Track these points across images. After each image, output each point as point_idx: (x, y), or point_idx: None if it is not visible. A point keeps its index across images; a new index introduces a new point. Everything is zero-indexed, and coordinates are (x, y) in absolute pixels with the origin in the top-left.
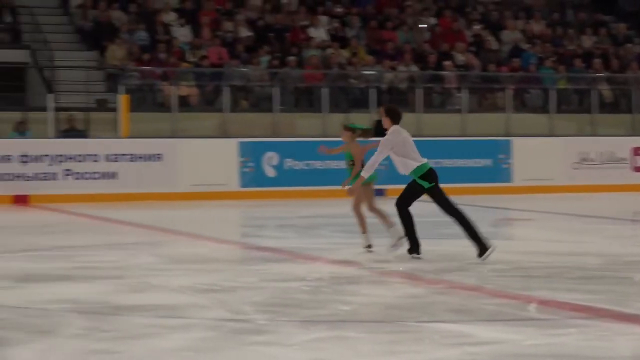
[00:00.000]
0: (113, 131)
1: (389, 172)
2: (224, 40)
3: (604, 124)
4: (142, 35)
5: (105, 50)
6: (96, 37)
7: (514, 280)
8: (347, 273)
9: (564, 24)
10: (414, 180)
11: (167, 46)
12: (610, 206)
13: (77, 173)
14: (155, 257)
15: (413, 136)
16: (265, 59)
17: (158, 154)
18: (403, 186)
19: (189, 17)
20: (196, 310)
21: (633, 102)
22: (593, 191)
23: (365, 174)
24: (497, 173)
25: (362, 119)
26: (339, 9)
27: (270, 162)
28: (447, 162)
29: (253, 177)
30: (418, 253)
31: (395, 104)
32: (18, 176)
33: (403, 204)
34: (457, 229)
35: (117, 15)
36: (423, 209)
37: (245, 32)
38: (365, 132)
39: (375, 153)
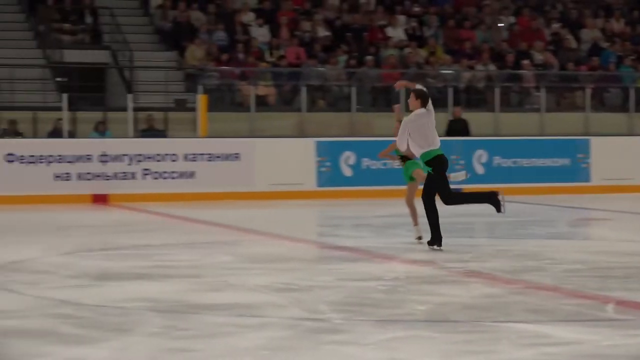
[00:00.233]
0: (191, 131)
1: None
2: (301, 40)
3: None
4: (221, 35)
5: (185, 50)
6: (175, 38)
7: (591, 280)
8: (424, 272)
9: None
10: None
11: (246, 46)
12: None
13: (156, 172)
14: (232, 256)
15: (490, 135)
16: (342, 58)
17: (236, 154)
18: (479, 185)
19: (268, 17)
20: (273, 309)
21: None
22: None
23: (399, 146)
24: (576, 172)
25: (439, 119)
26: (416, 9)
27: (347, 161)
28: (525, 162)
29: (330, 177)
30: (439, 245)
31: (424, 89)
32: (98, 175)
33: (426, 197)
34: (535, 230)
35: (196, 16)
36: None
37: (323, 32)
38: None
39: (399, 132)
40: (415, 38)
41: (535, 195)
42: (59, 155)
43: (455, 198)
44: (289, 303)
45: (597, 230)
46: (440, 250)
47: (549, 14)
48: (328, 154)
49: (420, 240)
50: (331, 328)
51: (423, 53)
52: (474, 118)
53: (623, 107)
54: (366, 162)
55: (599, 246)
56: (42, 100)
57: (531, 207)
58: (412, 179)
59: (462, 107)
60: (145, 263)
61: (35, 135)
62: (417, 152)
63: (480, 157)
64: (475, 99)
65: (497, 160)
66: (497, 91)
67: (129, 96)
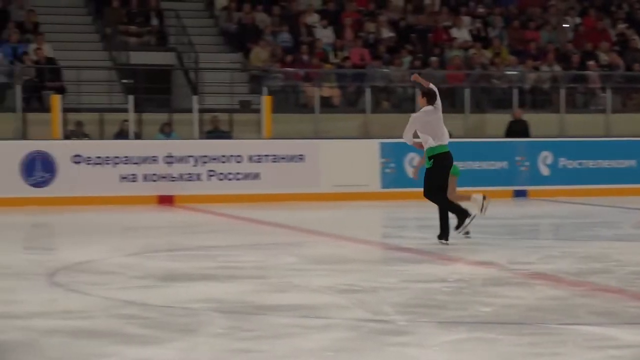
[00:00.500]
0: (256, 132)
1: (530, 173)
2: (366, 41)
3: None
4: (285, 36)
5: (249, 52)
6: (240, 39)
7: None
8: (488, 274)
9: None
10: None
11: (310, 47)
12: None
13: (221, 174)
14: (297, 257)
15: (556, 136)
16: (407, 59)
17: (300, 155)
18: (545, 187)
19: (332, 18)
20: (336, 311)
21: None
22: None
23: (404, 137)
24: None
25: (505, 120)
26: (481, 9)
27: (411, 162)
28: (591, 163)
29: (394, 178)
30: (446, 239)
31: (432, 87)
32: (163, 177)
33: (434, 191)
34: (601, 231)
35: (261, 17)
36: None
37: (387, 33)
38: None
39: (406, 127)
40: (480, 39)
41: (600, 197)
42: (125, 157)
43: (437, 198)
44: (352, 304)
45: None
46: (447, 244)
47: (615, 15)
48: (392, 155)
49: (468, 235)
50: (395, 330)
51: (488, 54)
52: (539, 119)
53: None
54: None
55: None
56: (109, 102)
57: (597, 209)
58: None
59: (525, 109)
60: (211, 264)
61: (101, 136)
62: (426, 145)
63: (545, 159)
64: (540, 100)
65: (563, 161)
66: (562, 92)
67: (194, 98)
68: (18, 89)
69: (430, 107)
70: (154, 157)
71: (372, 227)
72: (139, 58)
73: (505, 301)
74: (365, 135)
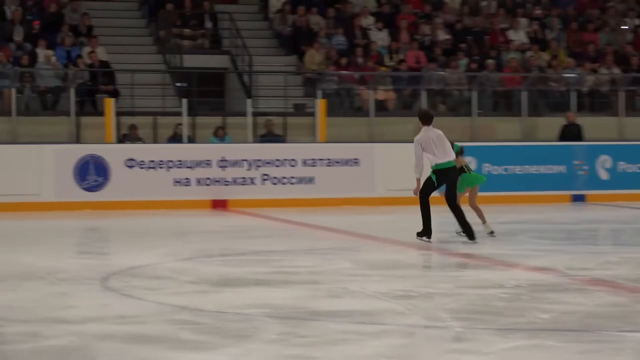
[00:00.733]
0: (310, 136)
1: (589, 177)
2: (421, 43)
3: None
4: (340, 39)
5: (304, 54)
6: (294, 42)
7: None
8: (547, 280)
9: None
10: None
11: (365, 50)
12: None
13: (275, 178)
14: (352, 262)
15: (613, 140)
16: (463, 62)
17: (355, 159)
18: (603, 192)
19: (387, 20)
20: (392, 317)
21: None
22: None
23: (416, 172)
24: None
25: (558, 123)
26: (538, 11)
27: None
28: None
29: None
30: (429, 237)
31: (426, 109)
32: (217, 181)
33: (422, 195)
34: None
35: (315, 20)
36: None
37: (443, 36)
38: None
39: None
40: (537, 41)
41: None
42: (179, 161)
43: (424, 207)
44: (408, 310)
45: None
46: (430, 242)
47: None
48: None
49: (493, 234)
50: (452, 336)
51: (545, 56)
52: (597, 122)
53: None
54: (487, 167)
55: None
56: (162, 106)
57: None
58: (470, 183)
59: (583, 112)
60: (265, 269)
61: (155, 140)
62: (431, 162)
63: (604, 163)
64: (598, 102)
65: (622, 165)
66: (621, 95)
67: (248, 101)
68: (72, 93)
69: (425, 127)
70: (207, 161)
71: None
72: (192, 61)
73: (564, 308)
74: None
